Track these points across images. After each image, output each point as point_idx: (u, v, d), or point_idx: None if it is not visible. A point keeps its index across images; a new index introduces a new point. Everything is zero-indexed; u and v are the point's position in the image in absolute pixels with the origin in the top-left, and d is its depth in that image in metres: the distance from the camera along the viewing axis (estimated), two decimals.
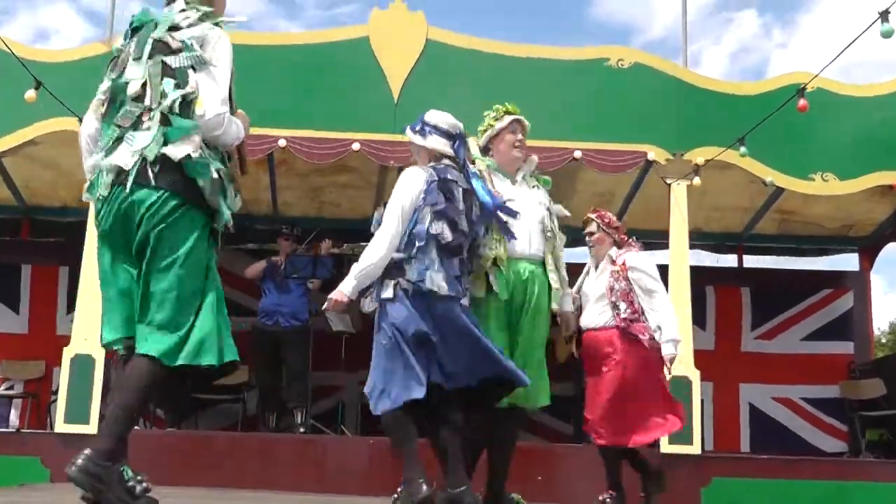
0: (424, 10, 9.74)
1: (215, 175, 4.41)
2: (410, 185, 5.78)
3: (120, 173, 4.35)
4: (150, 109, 4.40)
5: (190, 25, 4.57)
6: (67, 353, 9.13)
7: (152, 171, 4.30)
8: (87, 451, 4.07)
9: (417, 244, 5.63)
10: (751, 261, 13.28)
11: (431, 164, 5.91)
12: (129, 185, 4.30)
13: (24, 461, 8.88)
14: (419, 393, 5.46)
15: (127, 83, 4.51)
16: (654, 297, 7.26)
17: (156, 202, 4.29)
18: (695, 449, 9.19)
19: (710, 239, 12.62)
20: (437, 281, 5.57)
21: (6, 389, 11.69)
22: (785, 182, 9.78)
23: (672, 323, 7.17)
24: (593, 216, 7.60)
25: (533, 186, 6.41)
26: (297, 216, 11.96)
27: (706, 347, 11.89)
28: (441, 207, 5.69)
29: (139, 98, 4.46)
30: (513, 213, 6.10)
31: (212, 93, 4.42)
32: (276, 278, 10.78)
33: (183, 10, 4.66)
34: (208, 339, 4.34)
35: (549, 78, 9.81)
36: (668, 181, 9.70)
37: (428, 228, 5.65)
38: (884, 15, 6.25)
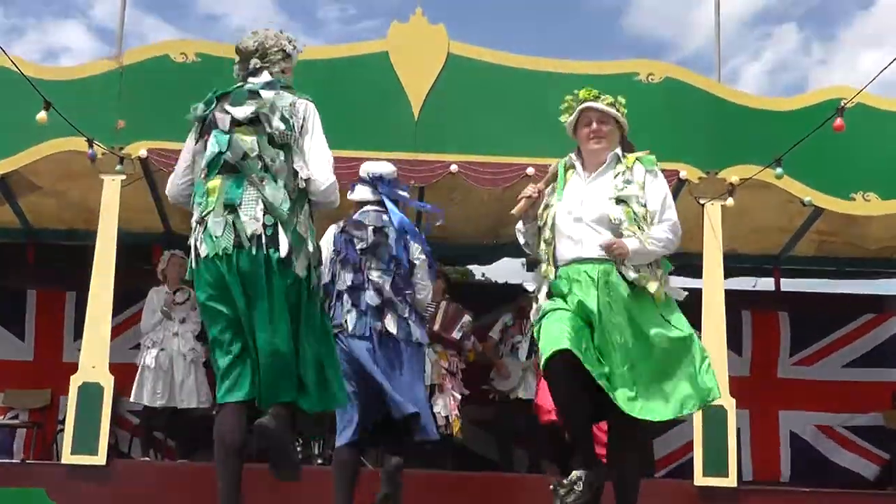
0: (454, 24, 9.46)
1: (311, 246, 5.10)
2: (324, 243, 6.51)
3: (238, 236, 4.93)
4: (259, 176, 4.97)
5: (278, 95, 5.19)
6: (74, 382, 8.82)
7: (265, 236, 4.91)
8: None
9: (333, 293, 6.52)
10: (789, 284, 12.89)
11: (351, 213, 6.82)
12: (247, 248, 4.91)
13: (30, 493, 8.59)
14: (348, 436, 6.51)
15: (229, 150, 5.02)
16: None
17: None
18: (731, 481, 8.76)
19: (746, 261, 12.18)
20: (348, 321, 6.42)
21: (10, 419, 11.43)
22: (824, 202, 9.38)
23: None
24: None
25: (618, 175, 5.65)
26: None
27: (742, 374, 11.50)
28: (343, 255, 6.51)
29: (244, 165, 4.99)
30: (417, 234, 6.85)
31: (321, 161, 5.11)
32: None
33: (269, 83, 5.26)
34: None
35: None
36: (702, 201, 9.29)
37: (333, 279, 6.56)
38: None
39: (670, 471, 11.28)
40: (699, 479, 8.74)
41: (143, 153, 9.12)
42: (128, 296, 10.53)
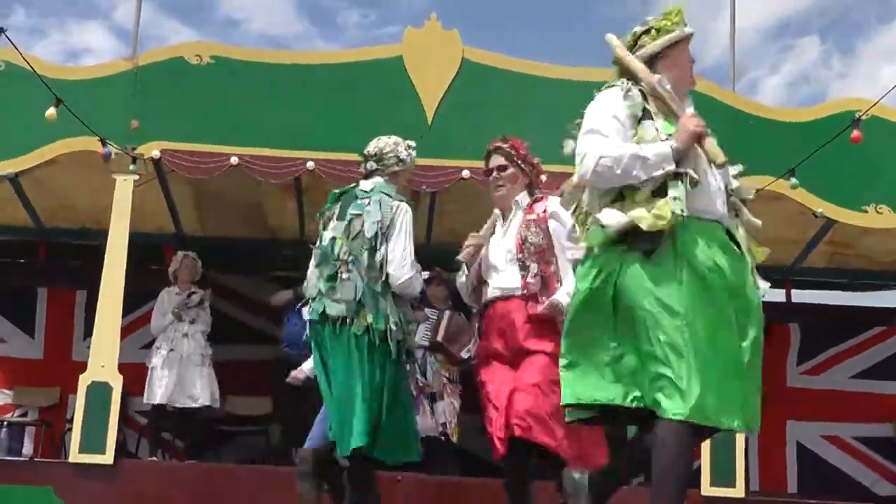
0: (469, 30, 9.45)
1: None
2: None
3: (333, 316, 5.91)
4: (348, 267, 5.97)
5: (378, 200, 6.06)
6: (83, 381, 8.83)
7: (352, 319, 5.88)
8: None
9: None
10: (800, 296, 12.82)
11: None
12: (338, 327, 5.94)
13: (37, 491, 8.57)
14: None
15: (334, 241, 6.04)
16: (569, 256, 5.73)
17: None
18: (738, 492, 8.71)
19: (757, 272, 12.04)
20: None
21: (19, 416, 11.43)
22: (837, 214, 9.34)
23: (571, 280, 5.49)
24: (504, 145, 6.13)
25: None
26: None
27: None
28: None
29: (341, 256, 5.99)
30: None
31: (399, 261, 5.96)
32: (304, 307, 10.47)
33: (373, 189, 6.14)
34: None
35: (587, 99, 9.40)
36: None
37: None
38: None
39: None
40: (706, 490, 8.69)
41: (156, 154, 9.13)
42: (138, 296, 10.53)
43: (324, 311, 5.96)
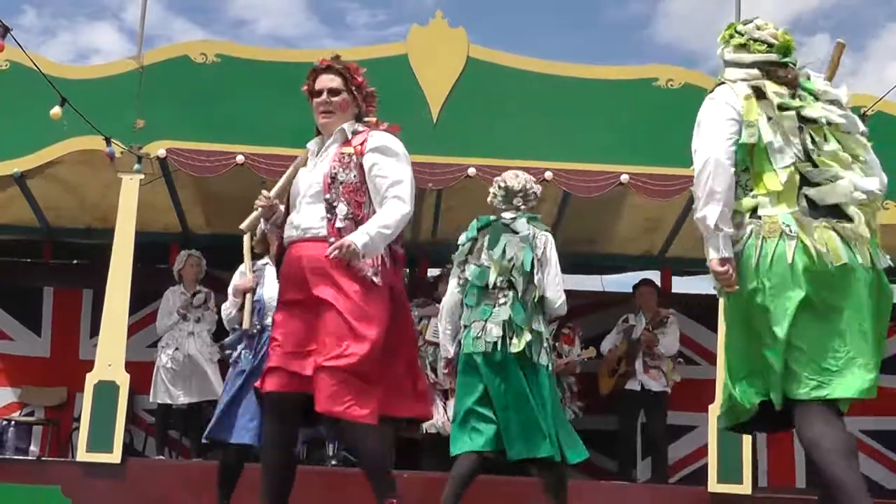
0: (476, 29, 9.44)
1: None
2: None
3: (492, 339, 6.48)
4: (505, 293, 6.56)
5: (533, 231, 6.69)
6: (90, 380, 8.86)
7: (511, 339, 6.44)
8: None
9: None
10: None
11: None
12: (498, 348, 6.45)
13: (45, 490, 8.63)
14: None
15: (488, 270, 6.62)
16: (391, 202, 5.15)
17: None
18: (745, 489, 8.74)
19: None
20: None
21: (26, 415, 11.42)
22: None
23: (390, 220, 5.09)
24: (338, 65, 5.39)
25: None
26: None
27: None
28: None
29: (497, 284, 6.58)
30: None
31: (554, 286, 6.61)
32: None
33: (517, 219, 6.75)
34: None
35: (594, 98, 9.43)
36: None
37: None
38: None
39: (683, 477, 11.22)
40: (713, 486, 8.72)
41: (161, 153, 9.13)
42: (144, 295, 10.51)
43: (479, 336, 6.52)
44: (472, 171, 9.14)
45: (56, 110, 7.97)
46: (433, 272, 11.20)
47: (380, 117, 5.50)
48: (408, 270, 13.78)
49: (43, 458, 9.98)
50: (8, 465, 9.32)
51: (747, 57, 4.59)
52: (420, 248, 11.62)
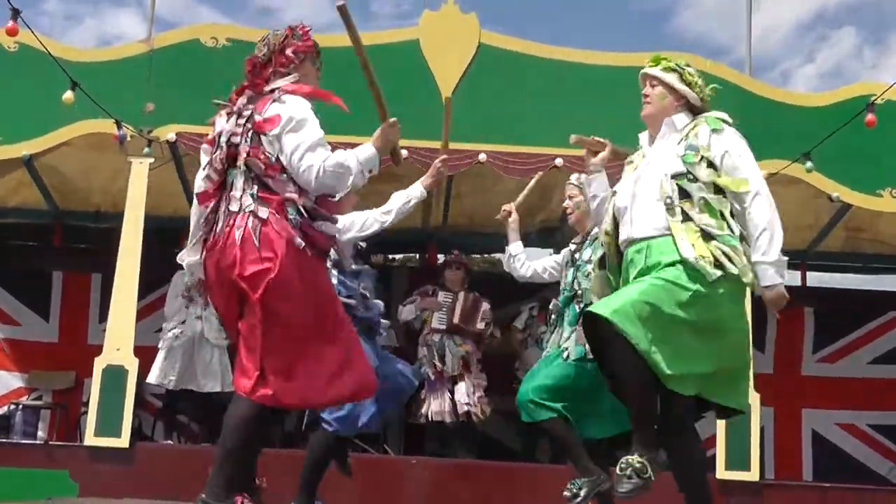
0: (488, 15, 9.42)
1: None
2: None
3: None
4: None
5: None
6: (99, 364, 8.87)
7: None
8: None
9: None
10: (815, 279, 12.77)
11: None
12: None
13: (53, 474, 8.66)
14: None
15: None
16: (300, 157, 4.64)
17: None
18: (753, 476, 8.79)
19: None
20: None
21: (34, 400, 11.42)
22: (852, 198, 9.35)
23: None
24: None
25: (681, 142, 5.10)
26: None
27: (765, 371, 11.37)
28: None
29: None
30: None
31: None
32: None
33: None
34: None
35: (603, 84, 9.39)
36: None
37: None
38: None
39: None
40: (721, 473, 8.74)
41: (171, 136, 9.12)
42: (154, 279, 10.50)
43: None
44: (482, 156, 9.12)
45: (69, 95, 7.96)
46: (442, 258, 11.21)
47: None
48: (417, 256, 13.85)
49: (51, 443, 9.98)
50: (16, 450, 9.36)
51: None
52: (429, 234, 11.61)
